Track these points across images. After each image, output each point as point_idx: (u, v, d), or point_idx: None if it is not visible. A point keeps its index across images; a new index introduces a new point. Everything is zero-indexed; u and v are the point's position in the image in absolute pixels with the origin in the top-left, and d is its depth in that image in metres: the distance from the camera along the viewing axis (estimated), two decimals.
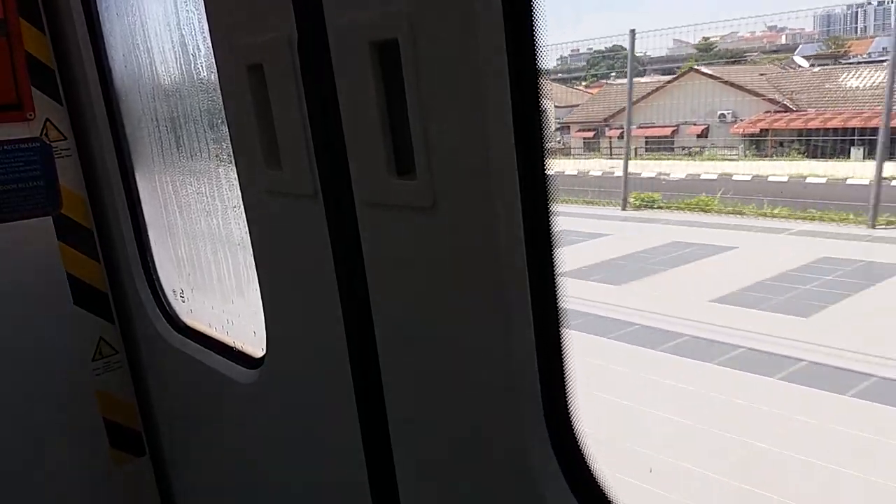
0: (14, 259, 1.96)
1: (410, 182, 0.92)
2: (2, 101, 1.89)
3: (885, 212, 13.82)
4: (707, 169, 20.93)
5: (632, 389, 7.17)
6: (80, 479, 2.17)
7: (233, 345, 1.75)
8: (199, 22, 1.53)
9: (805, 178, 18.15)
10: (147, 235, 2.05)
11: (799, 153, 22.24)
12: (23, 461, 2.06)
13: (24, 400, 2.04)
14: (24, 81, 1.90)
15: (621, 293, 10.60)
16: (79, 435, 2.16)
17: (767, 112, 24.90)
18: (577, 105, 32.11)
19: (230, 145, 1.32)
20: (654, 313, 9.53)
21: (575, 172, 21.87)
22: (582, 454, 0.94)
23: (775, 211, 15.71)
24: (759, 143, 24.44)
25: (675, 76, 28.52)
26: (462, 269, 0.91)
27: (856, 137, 21.37)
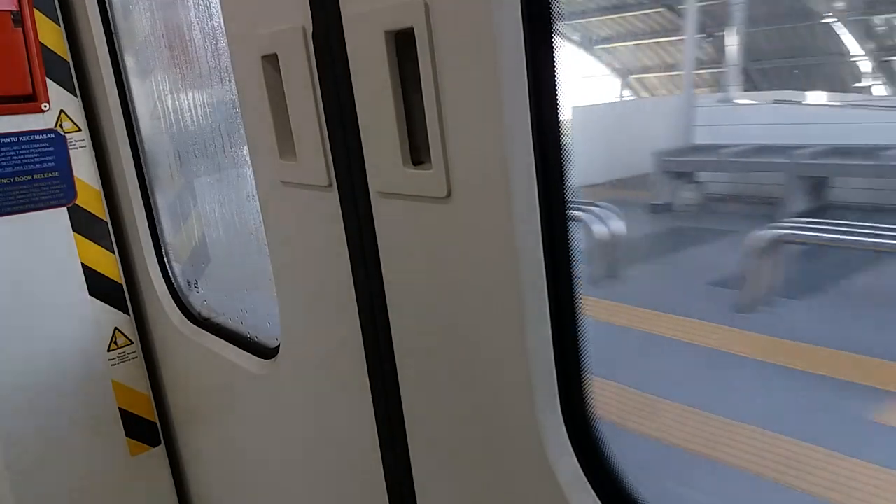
0: (29, 250, 1.97)
1: (426, 172, 0.92)
2: (17, 92, 1.90)
3: None
4: None
5: None
6: (96, 468, 2.19)
7: (247, 335, 1.75)
8: (213, 11, 1.53)
9: None
10: (161, 227, 2.06)
11: None
12: (39, 450, 2.08)
13: (41, 390, 2.06)
14: (38, 73, 1.91)
15: None
16: (95, 424, 2.17)
17: None
18: None
19: (244, 135, 1.33)
20: None
21: None
22: (598, 443, 0.94)
23: None
24: None
25: None
26: (478, 259, 0.90)
27: None
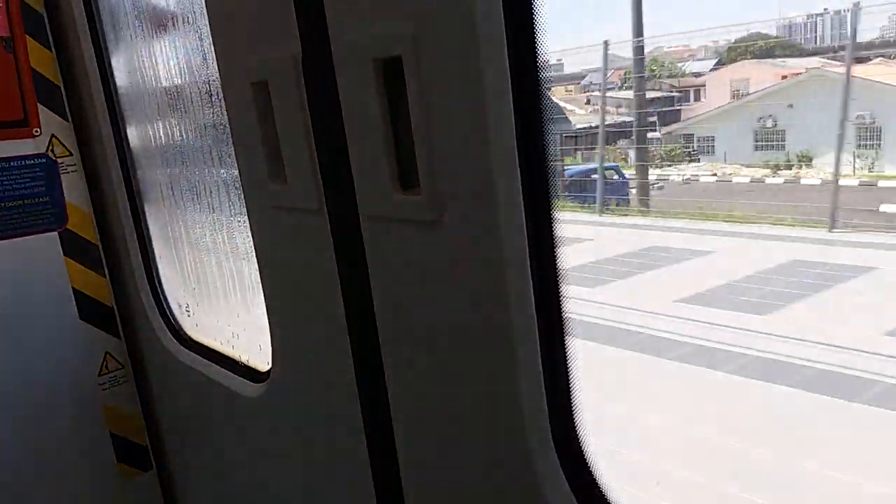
0: (20, 275, 1.97)
1: (414, 197, 0.93)
2: (8, 117, 1.91)
3: None
4: None
5: None
6: (87, 493, 2.17)
7: (238, 359, 1.75)
8: (204, 38, 1.54)
9: None
10: (153, 250, 2.06)
11: None
12: (30, 476, 2.06)
13: (32, 415, 2.04)
14: (30, 98, 1.92)
15: None
16: (86, 449, 2.16)
17: None
18: None
19: (235, 160, 1.33)
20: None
21: None
22: (586, 460, 0.94)
23: None
24: None
25: None
26: (466, 283, 0.91)
27: None
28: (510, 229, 0.84)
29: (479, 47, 0.79)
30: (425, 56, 0.85)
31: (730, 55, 35.42)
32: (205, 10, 1.27)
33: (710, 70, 34.39)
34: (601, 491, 0.93)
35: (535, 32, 0.81)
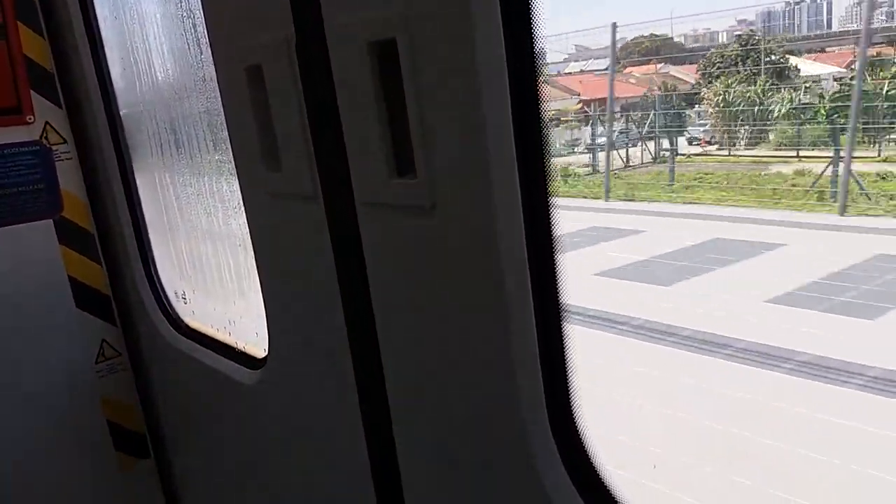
0: (16, 263, 1.96)
1: (410, 182, 0.92)
2: (1, 104, 1.89)
3: None
4: None
5: None
6: (85, 481, 2.17)
7: (235, 346, 1.75)
8: (198, 23, 1.53)
9: None
10: (148, 237, 2.05)
11: None
12: (28, 464, 2.06)
13: (28, 403, 2.04)
14: (23, 85, 1.90)
15: None
16: (83, 438, 2.16)
17: None
18: None
19: (230, 146, 1.33)
20: None
21: None
22: (585, 449, 0.94)
23: None
24: None
25: None
26: (462, 269, 0.91)
27: None
28: (507, 213, 0.84)
29: (474, 29, 0.78)
30: (420, 39, 0.84)
31: None
32: None
33: None
34: (603, 482, 0.94)
35: (530, 14, 0.80)
